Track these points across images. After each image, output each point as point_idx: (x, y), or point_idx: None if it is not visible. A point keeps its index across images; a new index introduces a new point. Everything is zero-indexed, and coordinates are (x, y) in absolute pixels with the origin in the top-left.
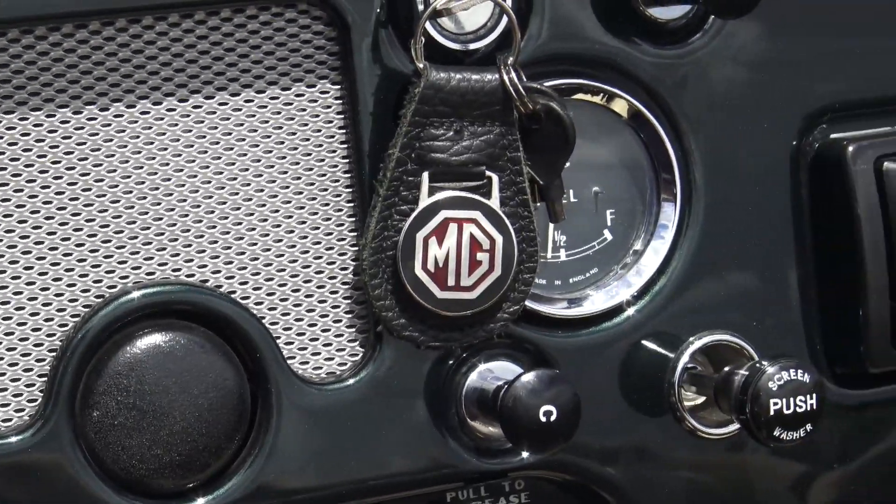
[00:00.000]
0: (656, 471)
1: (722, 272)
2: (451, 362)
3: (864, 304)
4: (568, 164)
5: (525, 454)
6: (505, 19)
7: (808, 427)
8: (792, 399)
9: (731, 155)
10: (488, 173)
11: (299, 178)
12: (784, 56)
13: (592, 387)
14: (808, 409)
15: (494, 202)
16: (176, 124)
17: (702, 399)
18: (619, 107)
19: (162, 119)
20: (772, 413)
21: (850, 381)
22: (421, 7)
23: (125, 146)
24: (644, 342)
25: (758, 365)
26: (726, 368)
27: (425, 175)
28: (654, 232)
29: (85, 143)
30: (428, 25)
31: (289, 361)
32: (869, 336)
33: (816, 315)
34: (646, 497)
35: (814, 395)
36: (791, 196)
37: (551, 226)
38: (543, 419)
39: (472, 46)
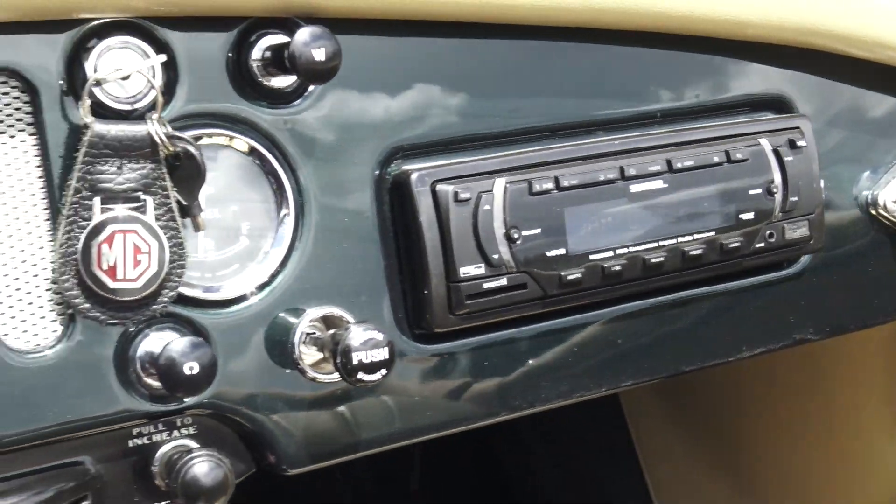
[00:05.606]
0: (288, 410)
1: (329, 266)
2: (128, 334)
3: (429, 285)
4: (213, 191)
5: (187, 399)
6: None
7: (384, 371)
8: (369, 352)
9: (333, 183)
10: (144, 197)
11: (6, 204)
12: (366, 111)
13: (238, 350)
14: (382, 359)
15: (150, 218)
16: None
17: (321, 356)
18: (239, 145)
19: None
20: (355, 362)
21: (426, 338)
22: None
23: None
24: (280, 315)
25: (347, 328)
26: (330, 331)
27: (97, 199)
28: (277, 238)
29: None
30: (97, 91)
31: (2, 336)
32: (432, 306)
33: (399, 293)
34: (279, 428)
35: (385, 349)
36: (377, 211)
37: (201, 234)
38: (188, 372)
39: (135, 106)
